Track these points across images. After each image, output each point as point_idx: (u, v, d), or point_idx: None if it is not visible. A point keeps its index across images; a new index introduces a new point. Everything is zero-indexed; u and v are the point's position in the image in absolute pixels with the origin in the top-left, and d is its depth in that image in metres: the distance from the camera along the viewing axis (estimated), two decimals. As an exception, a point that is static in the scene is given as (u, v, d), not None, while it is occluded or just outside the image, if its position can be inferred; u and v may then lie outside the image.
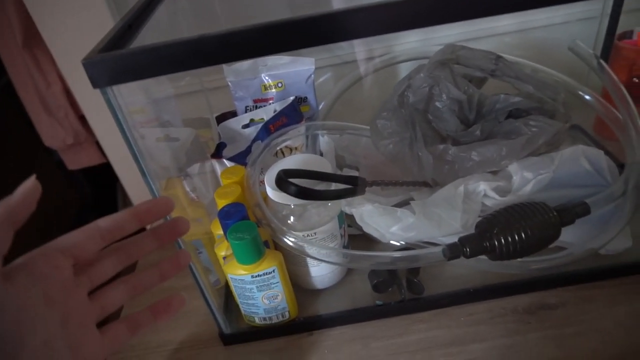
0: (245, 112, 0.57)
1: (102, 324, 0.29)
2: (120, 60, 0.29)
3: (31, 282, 0.25)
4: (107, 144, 0.80)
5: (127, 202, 1.65)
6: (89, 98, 0.76)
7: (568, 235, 0.44)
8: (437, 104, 0.50)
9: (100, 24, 0.70)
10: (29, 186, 0.26)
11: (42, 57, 0.79)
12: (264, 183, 0.49)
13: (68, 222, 1.42)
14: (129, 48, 0.29)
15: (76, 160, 0.93)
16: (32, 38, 0.76)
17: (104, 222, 0.28)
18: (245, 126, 0.56)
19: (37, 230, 1.10)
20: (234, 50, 0.29)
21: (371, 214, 0.44)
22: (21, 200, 0.25)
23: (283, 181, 0.38)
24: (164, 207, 0.30)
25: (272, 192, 0.44)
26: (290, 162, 0.46)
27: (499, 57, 0.53)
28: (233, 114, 0.59)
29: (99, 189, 1.60)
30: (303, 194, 0.38)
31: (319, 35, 0.29)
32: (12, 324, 0.23)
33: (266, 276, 0.42)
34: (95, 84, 0.29)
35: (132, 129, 0.32)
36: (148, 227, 0.32)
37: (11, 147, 0.96)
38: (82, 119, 0.85)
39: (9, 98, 0.87)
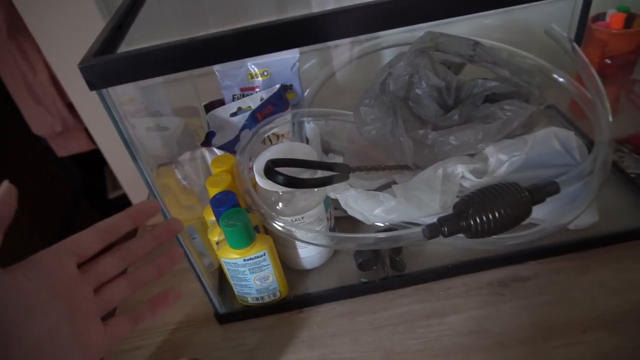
0: (233, 100, 0.59)
1: (104, 318, 0.32)
2: (115, 63, 0.30)
3: (34, 275, 0.27)
4: (96, 130, 0.81)
5: (116, 186, 1.66)
6: (75, 86, 0.76)
7: (539, 212, 0.48)
8: (417, 90, 0.52)
9: (85, 13, 0.70)
10: (4, 191, 0.28)
11: (27, 46, 0.79)
12: (253, 170, 0.51)
13: (60, 207, 1.43)
14: (124, 52, 0.31)
15: (65, 147, 0.94)
16: (16, 27, 0.76)
17: (101, 224, 0.32)
18: (233, 114, 0.58)
19: (31, 216, 1.13)
20: (223, 52, 0.31)
21: (355, 199, 0.46)
22: (1, 200, 0.28)
23: (271, 171, 0.41)
24: (152, 209, 0.34)
25: (260, 180, 0.46)
26: (277, 151, 0.48)
27: (476, 43, 0.55)
28: (221, 102, 0.60)
29: (88, 175, 1.61)
30: (290, 183, 0.41)
31: (308, 36, 0.31)
32: (11, 310, 0.25)
33: (257, 259, 0.45)
34: (91, 86, 0.31)
35: (125, 122, 0.34)
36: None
37: (-1, 136, 0.97)
38: (70, 106, 0.86)
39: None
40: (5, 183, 0.29)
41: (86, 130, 0.95)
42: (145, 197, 0.88)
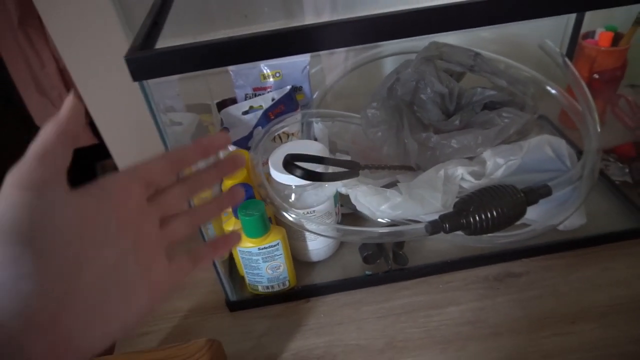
0: (245, 99, 0.61)
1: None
2: (157, 57, 0.33)
3: (104, 201, 0.25)
4: (103, 124, 0.82)
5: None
6: (85, 78, 0.78)
7: (532, 213, 0.51)
8: (422, 96, 0.56)
9: (99, 5, 0.72)
10: (69, 106, 0.25)
11: (36, 37, 0.80)
12: (265, 165, 0.54)
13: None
14: (166, 47, 0.33)
15: (68, 141, 0.94)
16: (27, 17, 0.77)
17: (172, 153, 0.29)
18: (245, 113, 0.60)
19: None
20: (255, 51, 0.34)
21: (365, 194, 0.49)
22: (68, 115, 0.25)
23: (290, 164, 0.43)
24: (223, 141, 0.32)
25: (275, 174, 0.49)
26: (292, 147, 0.50)
27: (477, 54, 0.58)
28: (233, 100, 0.63)
29: (79, 171, 1.61)
30: (308, 175, 0.43)
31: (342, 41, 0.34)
32: (81, 234, 0.23)
33: (271, 248, 0.48)
34: (135, 77, 0.33)
35: (160, 116, 0.37)
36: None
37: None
38: (75, 100, 0.87)
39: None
40: (70, 97, 0.26)
41: (90, 124, 0.96)
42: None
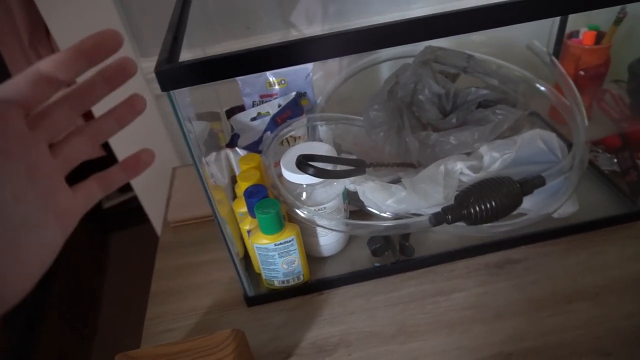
0: (253, 106, 0.65)
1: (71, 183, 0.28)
2: (183, 69, 0.36)
3: None
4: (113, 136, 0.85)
5: (110, 197, 1.68)
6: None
7: (527, 203, 0.55)
8: (421, 97, 0.59)
9: (108, 22, 0.75)
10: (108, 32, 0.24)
11: (44, 53, 0.83)
12: (277, 167, 0.57)
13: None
14: (190, 60, 0.36)
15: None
16: (37, 36, 0.80)
17: (44, 63, 0.24)
18: (253, 119, 0.64)
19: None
20: (270, 61, 0.37)
21: (372, 190, 0.53)
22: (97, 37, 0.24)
23: (303, 163, 0.47)
24: (112, 41, 0.25)
25: (287, 174, 0.52)
26: (302, 149, 0.54)
27: (470, 56, 0.62)
28: (241, 108, 0.66)
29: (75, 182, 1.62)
30: (320, 173, 0.47)
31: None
32: None
33: (286, 244, 0.51)
34: (164, 88, 0.36)
35: (186, 124, 0.40)
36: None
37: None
38: (83, 115, 0.90)
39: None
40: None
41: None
42: (157, 199, 0.92)
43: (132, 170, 0.30)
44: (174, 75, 0.36)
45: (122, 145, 0.87)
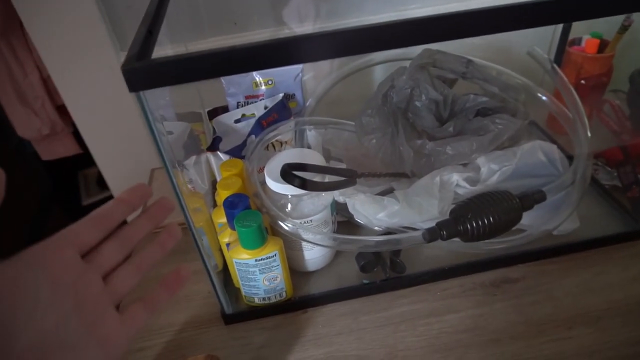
0: (237, 107, 0.61)
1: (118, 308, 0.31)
2: (155, 68, 0.32)
3: (36, 266, 0.26)
4: (88, 133, 0.81)
5: (90, 193, 1.62)
6: (69, 87, 0.76)
7: (526, 218, 0.51)
8: (417, 103, 0.56)
9: (85, 12, 0.70)
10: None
11: (19, 46, 0.78)
12: (260, 173, 0.53)
13: (29, 213, 1.39)
14: (164, 57, 0.32)
15: (51, 151, 0.92)
16: (10, 27, 0.75)
17: (95, 212, 0.30)
18: (237, 121, 0.60)
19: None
20: (256, 61, 0.33)
21: (362, 203, 0.49)
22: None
23: (288, 174, 0.43)
24: (144, 192, 0.33)
25: (272, 183, 0.48)
26: (289, 156, 0.50)
27: (469, 61, 0.59)
28: (224, 109, 0.62)
29: (60, 180, 1.57)
30: (306, 185, 0.43)
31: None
32: (14, 302, 0.24)
33: (268, 260, 0.47)
34: (132, 88, 0.32)
35: (157, 127, 0.36)
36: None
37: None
38: (58, 109, 0.85)
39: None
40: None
41: (73, 133, 0.94)
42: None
43: (173, 287, 0.34)
44: (144, 74, 0.32)
45: (101, 142, 0.82)
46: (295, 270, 0.55)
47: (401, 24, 0.33)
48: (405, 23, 0.34)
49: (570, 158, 0.56)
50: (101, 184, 1.58)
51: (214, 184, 0.58)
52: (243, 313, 0.52)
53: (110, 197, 1.26)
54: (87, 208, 1.61)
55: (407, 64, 0.59)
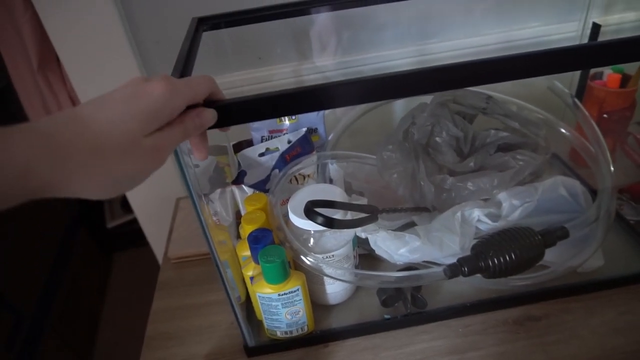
0: (261, 141, 0.62)
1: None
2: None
3: None
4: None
5: (114, 215, 1.66)
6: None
7: (550, 255, 0.51)
8: (437, 139, 0.56)
9: (117, 47, 0.74)
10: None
11: (54, 79, 0.82)
12: (283, 205, 0.54)
13: (58, 237, 1.43)
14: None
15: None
16: (47, 63, 0.79)
17: None
18: (262, 154, 0.61)
19: (28, 246, 1.13)
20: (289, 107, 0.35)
21: (384, 239, 0.50)
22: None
23: (311, 211, 0.44)
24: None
25: (295, 219, 0.49)
26: (311, 192, 0.51)
27: (489, 97, 0.60)
28: (249, 142, 0.64)
29: (85, 204, 1.61)
30: (330, 223, 0.44)
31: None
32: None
33: (291, 294, 0.48)
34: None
35: (184, 160, 0.37)
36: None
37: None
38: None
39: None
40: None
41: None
42: (157, 224, 0.89)
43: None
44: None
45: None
46: (317, 304, 0.55)
47: (427, 71, 0.35)
48: (429, 71, 0.35)
49: (594, 192, 0.56)
50: (125, 207, 1.62)
51: (238, 215, 0.60)
52: (265, 346, 0.52)
53: (134, 220, 1.30)
54: (111, 231, 1.65)
55: (427, 99, 0.60)
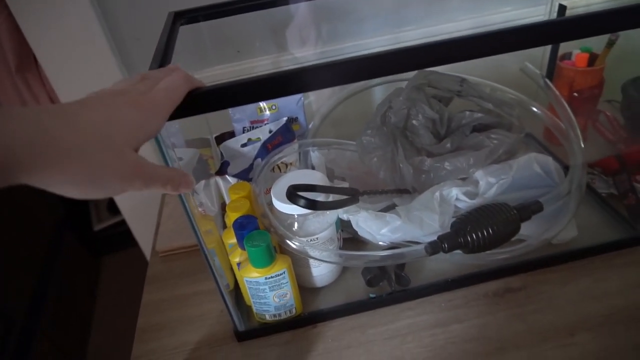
0: (243, 132, 0.64)
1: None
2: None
3: None
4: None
5: (101, 218, 1.65)
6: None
7: (526, 229, 0.53)
8: (414, 122, 0.58)
9: (95, 46, 0.74)
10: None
11: (33, 80, 0.82)
12: (267, 194, 0.55)
13: (44, 240, 1.43)
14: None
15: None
16: (24, 63, 0.79)
17: None
18: (244, 145, 0.62)
19: (14, 249, 1.12)
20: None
21: (365, 219, 0.51)
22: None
23: (293, 195, 0.45)
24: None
25: (278, 204, 0.51)
26: (293, 177, 0.52)
27: (463, 80, 0.61)
28: (231, 134, 0.65)
29: (71, 207, 1.60)
30: (311, 205, 0.45)
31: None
32: None
33: (278, 277, 0.49)
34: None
35: (169, 154, 0.38)
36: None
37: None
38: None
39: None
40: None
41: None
42: (145, 223, 0.90)
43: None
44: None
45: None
46: (304, 287, 0.57)
47: (399, 52, 0.36)
48: (402, 51, 0.36)
49: (567, 168, 0.58)
50: (112, 209, 1.62)
51: (223, 206, 0.61)
52: (255, 330, 0.54)
53: (122, 222, 1.30)
54: (98, 233, 1.65)
55: (403, 84, 0.62)
